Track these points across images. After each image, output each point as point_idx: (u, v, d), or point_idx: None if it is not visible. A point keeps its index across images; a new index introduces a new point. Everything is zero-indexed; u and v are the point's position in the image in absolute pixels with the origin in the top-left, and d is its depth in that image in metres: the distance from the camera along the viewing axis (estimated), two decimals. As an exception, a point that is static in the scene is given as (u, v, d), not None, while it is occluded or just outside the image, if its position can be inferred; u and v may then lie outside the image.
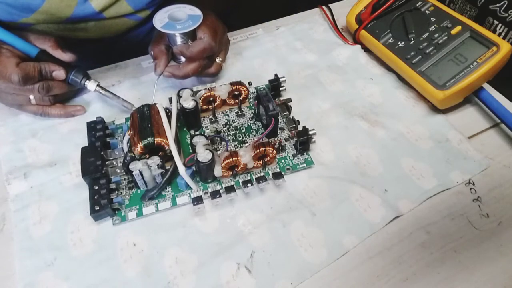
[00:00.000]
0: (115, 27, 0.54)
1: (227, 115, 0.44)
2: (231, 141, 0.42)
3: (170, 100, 0.41)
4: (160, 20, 0.42)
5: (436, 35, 0.46)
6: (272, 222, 0.36)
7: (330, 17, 0.59)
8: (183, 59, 0.45)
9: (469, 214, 0.37)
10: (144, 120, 0.38)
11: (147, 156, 0.36)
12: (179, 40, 0.43)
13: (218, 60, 0.47)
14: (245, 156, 0.37)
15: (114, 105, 0.46)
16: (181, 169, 0.35)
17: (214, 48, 0.44)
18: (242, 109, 0.45)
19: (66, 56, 0.44)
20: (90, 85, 0.44)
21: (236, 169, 0.38)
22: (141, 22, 0.58)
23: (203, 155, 0.35)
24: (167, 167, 0.37)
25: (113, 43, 0.59)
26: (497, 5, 0.48)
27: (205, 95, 0.42)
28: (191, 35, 0.43)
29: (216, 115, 0.44)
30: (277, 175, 0.38)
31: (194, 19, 0.42)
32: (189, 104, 0.40)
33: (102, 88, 0.44)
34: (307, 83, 0.49)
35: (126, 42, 0.61)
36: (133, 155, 0.36)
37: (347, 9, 0.56)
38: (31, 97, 0.42)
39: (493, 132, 0.44)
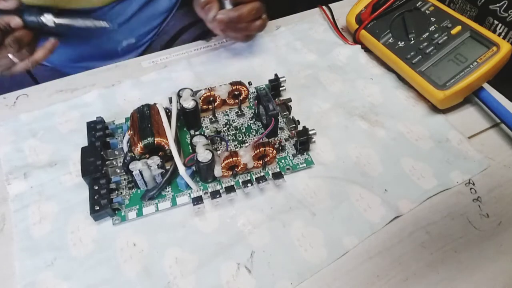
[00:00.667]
0: None
1: (227, 115, 0.44)
2: (231, 141, 0.42)
3: (170, 100, 0.41)
4: None
5: (436, 35, 0.46)
6: (272, 222, 0.36)
7: (330, 17, 0.59)
8: (228, 7, 0.45)
9: (469, 214, 0.37)
10: (144, 120, 0.38)
11: (147, 156, 0.36)
12: None
13: (263, 16, 0.48)
14: (245, 156, 0.37)
15: (117, 104, 0.45)
16: (181, 169, 0.35)
17: None
18: (242, 109, 0.45)
19: (8, 3, 0.42)
20: (47, 19, 0.42)
21: (236, 169, 0.38)
22: None
23: (203, 155, 0.35)
24: (167, 167, 0.37)
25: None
26: (497, 5, 0.48)
27: (205, 95, 0.42)
28: None
29: (216, 115, 0.44)
30: (277, 175, 0.38)
31: None
32: (189, 104, 0.40)
33: (61, 17, 0.42)
34: (307, 83, 0.49)
35: (110, 18, 0.59)
36: (133, 155, 0.36)
37: (347, 9, 0.56)
38: (10, 56, 0.42)
39: (493, 132, 0.44)
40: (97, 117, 0.42)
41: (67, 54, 0.62)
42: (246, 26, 0.46)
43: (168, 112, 0.40)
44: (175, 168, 0.36)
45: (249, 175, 0.39)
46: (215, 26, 0.46)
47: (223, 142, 0.42)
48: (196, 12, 0.50)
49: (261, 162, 0.38)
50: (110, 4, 0.57)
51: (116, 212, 0.36)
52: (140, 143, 0.36)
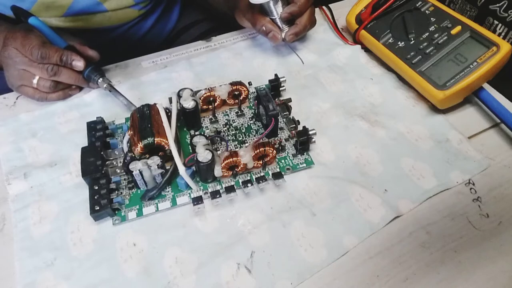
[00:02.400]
0: (116, 17, 0.57)
1: (227, 115, 0.44)
2: (231, 141, 0.42)
3: (170, 100, 0.41)
4: None
5: (436, 35, 0.46)
6: (272, 222, 0.36)
7: (330, 17, 0.59)
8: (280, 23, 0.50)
9: (469, 214, 0.37)
10: (144, 120, 0.38)
11: (147, 156, 0.36)
12: (277, 7, 0.49)
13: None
14: (245, 156, 0.37)
15: (117, 104, 0.46)
16: (181, 169, 0.35)
17: None
18: (242, 109, 0.45)
19: (91, 52, 0.46)
20: (102, 82, 0.45)
21: (236, 169, 0.38)
22: (142, 15, 0.59)
23: (203, 155, 0.35)
24: (167, 167, 0.37)
25: (115, 39, 0.60)
26: (497, 5, 0.48)
27: (205, 95, 0.42)
28: (283, 1, 0.49)
29: (216, 115, 0.44)
30: (277, 175, 0.38)
31: None
32: (189, 104, 0.40)
33: (112, 87, 0.45)
34: (307, 83, 0.49)
35: (128, 37, 0.61)
36: (133, 155, 0.36)
37: (347, 9, 0.56)
38: (35, 79, 0.43)
39: (493, 132, 0.44)
40: (97, 117, 0.42)
41: None
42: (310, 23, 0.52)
43: (168, 112, 0.40)
44: (175, 168, 0.36)
45: (249, 175, 0.39)
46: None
47: (223, 142, 0.42)
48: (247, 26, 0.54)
49: (261, 162, 0.38)
50: (127, 22, 0.59)
51: (116, 212, 0.36)
52: (140, 143, 0.36)
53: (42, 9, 0.50)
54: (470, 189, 0.39)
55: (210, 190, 0.37)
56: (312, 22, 0.52)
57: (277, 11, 0.49)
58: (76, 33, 0.52)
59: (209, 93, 0.42)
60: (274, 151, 0.38)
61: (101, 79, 0.45)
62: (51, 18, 0.52)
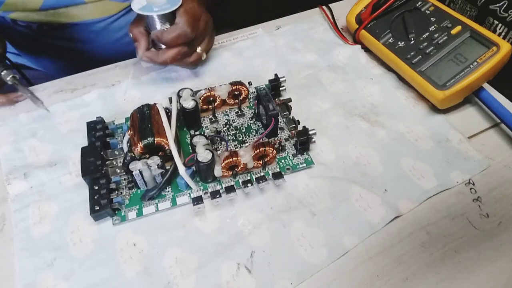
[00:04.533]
0: (97, 10, 0.54)
1: (227, 115, 0.44)
2: (231, 141, 0.42)
3: (170, 100, 0.41)
4: (138, 2, 0.42)
5: (436, 35, 0.46)
6: (272, 222, 0.36)
7: (330, 17, 0.59)
8: (163, 45, 0.44)
9: (469, 214, 0.37)
10: (144, 120, 0.38)
11: (147, 156, 0.36)
12: (157, 25, 0.42)
13: (198, 49, 0.46)
14: (245, 156, 0.37)
15: (116, 104, 0.46)
16: (181, 169, 0.35)
17: (189, 35, 0.42)
18: (242, 109, 0.45)
19: None
20: (5, 76, 0.42)
21: (236, 169, 0.38)
22: (126, 8, 0.57)
23: (203, 155, 0.35)
24: (167, 167, 0.37)
25: (98, 33, 0.59)
26: (497, 5, 0.48)
27: (205, 95, 0.42)
28: (169, 20, 0.42)
29: (216, 115, 0.44)
30: (277, 175, 0.38)
31: (172, 3, 0.42)
32: (189, 104, 0.40)
33: (17, 80, 0.42)
34: (307, 83, 0.49)
35: (112, 31, 0.60)
36: (133, 155, 0.36)
37: (347, 9, 0.56)
38: None
39: (493, 132, 0.44)
40: (97, 117, 0.42)
41: (61, 65, 0.62)
42: (178, 61, 0.45)
43: (168, 112, 0.40)
44: (175, 168, 0.36)
45: (249, 175, 0.39)
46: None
47: (223, 142, 0.42)
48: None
49: (261, 162, 0.38)
50: (111, 16, 0.57)
51: (116, 212, 0.36)
52: (140, 143, 0.36)
53: (18, 2, 0.47)
54: (470, 189, 0.39)
55: (210, 190, 0.37)
56: (185, 62, 0.46)
57: (156, 27, 0.43)
58: (58, 28, 0.50)
59: (209, 93, 0.42)
60: (274, 151, 0.38)
61: (4, 71, 0.41)
62: (28, 13, 0.49)
